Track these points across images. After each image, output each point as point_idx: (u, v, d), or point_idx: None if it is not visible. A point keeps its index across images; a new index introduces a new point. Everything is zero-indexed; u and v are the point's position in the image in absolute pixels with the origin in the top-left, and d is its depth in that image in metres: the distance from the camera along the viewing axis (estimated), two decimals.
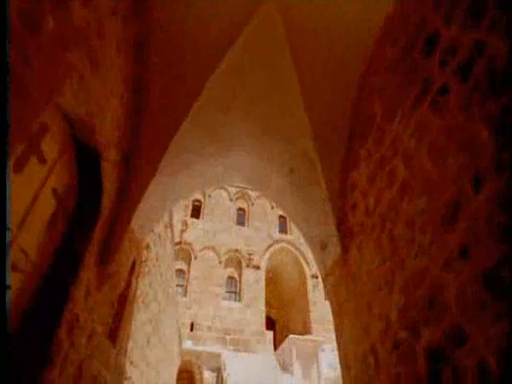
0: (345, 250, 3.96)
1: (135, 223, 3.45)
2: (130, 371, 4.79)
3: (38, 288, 2.37)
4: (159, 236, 5.82)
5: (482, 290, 1.98)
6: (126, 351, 4.44)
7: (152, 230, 5.20)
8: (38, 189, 2.23)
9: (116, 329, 4.04)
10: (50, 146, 2.31)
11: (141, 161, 3.53)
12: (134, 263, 4.34)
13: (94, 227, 2.76)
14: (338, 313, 4.08)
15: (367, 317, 3.33)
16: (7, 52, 1.46)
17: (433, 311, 2.39)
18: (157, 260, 5.87)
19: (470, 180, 2.18)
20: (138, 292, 4.81)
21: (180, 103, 3.64)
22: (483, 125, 2.14)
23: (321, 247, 4.42)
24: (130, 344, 4.72)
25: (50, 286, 2.42)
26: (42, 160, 2.24)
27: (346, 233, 3.97)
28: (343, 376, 3.84)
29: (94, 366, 3.15)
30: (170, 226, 7.14)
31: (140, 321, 5.16)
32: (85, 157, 2.68)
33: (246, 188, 23.95)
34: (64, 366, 2.47)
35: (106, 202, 2.96)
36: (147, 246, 4.96)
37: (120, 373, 4.20)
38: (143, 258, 4.81)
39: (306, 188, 4.45)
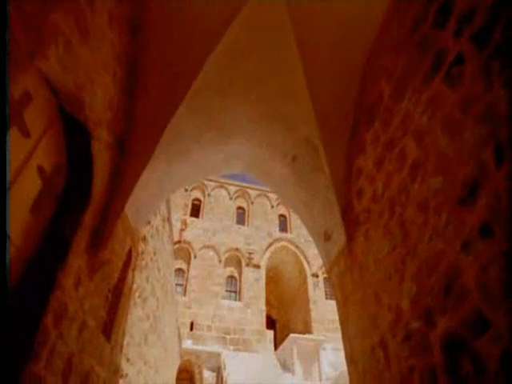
0: (350, 239, 3.78)
1: (129, 210, 3.27)
2: (127, 368, 4.60)
3: (23, 274, 2.19)
4: (157, 229, 5.63)
5: (506, 271, 1.80)
6: (121, 347, 4.26)
7: (149, 222, 5.02)
8: (20, 164, 2.05)
9: (111, 323, 3.85)
10: (35, 119, 2.13)
11: (135, 145, 3.35)
12: (129, 255, 4.16)
13: (84, 211, 2.58)
14: (343, 305, 3.90)
15: (375, 308, 3.15)
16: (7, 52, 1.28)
17: (450, 297, 2.21)
18: (154, 254, 5.68)
19: (491, 153, 2.00)
20: (135, 286, 4.63)
21: (176, 86, 3.46)
22: (503, 93, 1.97)
23: (325, 238, 4.24)
24: (127, 340, 4.53)
25: (35, 273, 2.23)
26: (26, 133, 2.06)
27: (351, 221, 3.79)
28: (350, 372, 3.65)
29: (85, 360, 2.97)
30: (169, 220, 6.97)
31: (137, 316, 4.97)
32: (74, 134, 2.50)
33: (246, 187, 23.79)
34: (51, 359, 2.28)
35: (98, 185, 2.77)
36: (144, 239, 4.78)
37: (115, 369, 4.01)
38: (140, 251, 4.63)
39: (309, 176, 4.27)
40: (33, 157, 2.16)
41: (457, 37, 2.44)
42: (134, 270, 4.44)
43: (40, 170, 2.24)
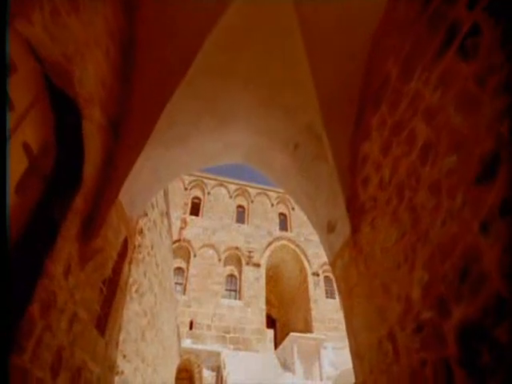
0: (355, 230, 3.62)
1: (124, 197, 3.11)
2: (123, 365, 4.44)
3: None
4: (154, 223, 5.48)
5: None
6: (117, 343, 4.10)
7: (146, 215, 4.87)
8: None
9: (105, 317, 3.69)
10: (20, 91, 1.97)
11: (130, 130, 3.20)
12: (125, 246, 4.00)
13: (74, 195, 2.42)
14: (347, 299, 3.75)
15: (383, 300, 3.00)
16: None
17: (466, 283, 2.05)
18: (152, 248, 5.53)
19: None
20: (131, 280, 4.47)
21: (173, 67, 3.31)
22: None
23: (328, 229, 4.09)
24: (123, 336, 4.37)
25: (21, 257, 2.07)
26: (9, 106, 1.90)
27: (356, 211, 3.64)
28: (355, 367, 3.50)
29: (77, 354, 2.81)
30: (167, 215, 6.81)
31: (133, 312, 4.81)
32: (64, 112, 2.34)
33: (246, 185, 23.62)
34: (37, 351, 2.12)
35: (90, 168, 2.62)
36: (141, 232, 4.62)
37: (110, 366, 3.85)
38: (136, 244, 4.47)
39: (311, 166, 4.12)
40: (18, 132, 2.00)
41: (471, 8, 2.30)
42: (130, 263, 4.29)
43: (26, 147, 2.09)
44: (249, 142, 4.33)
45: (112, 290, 3.85)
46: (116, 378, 4.17)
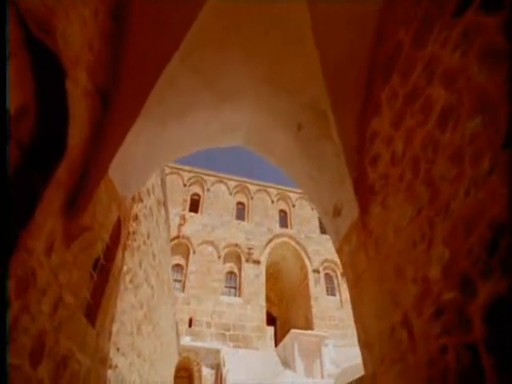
0: (364, 211, 3.39)
1: (115, 174, 2.87)
2: (116, 359, 4.20)
3: None
4: (150, 210, 5.24)
5: None
6: (109, 335, 3.86)
7: (142, 200, 4.63)
8: None
9: (96, 306, 3.46)
10: None
11: (121, 102, 2.95)
12: (118, 231, 3.77)
13: (57, 164, 2.18)
14: (355, 286, 3.51)
15: (396, 283, 2.76)
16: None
17: (496, 257, 1.82)
18: (148, 237, 5.29)
19: None
20: (125, 269, 4.23)
21: (169, 35, 3.07)
22: None
23: (334, 213, 3.85)
24: (116, 328, 4.13)
25: None
26: None
27: (364, 192, 3.40)
28: (363, 358, 3.27)
29: (62, 343, 2.57)
30: (165, 205, 6.57)
31: (128, 303, 4.58)
32: (46, 72, 2.10)
33: (246, 182, 23.38)
34: (13, 335, 1.89)
35: (75, 137, 2.38)
36: (136, 217, 4.38)
37: (102, 358, 3.62)
38: (131, 230, 4.24)
39: (316, 146, 3.88)
40: None
41: None
42: (124, 249, 4.05)
43: None
44: (249, 123, 4.09)
45: (104, 278, 3.61)
46: (109, 372, 3.93)
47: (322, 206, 4.09)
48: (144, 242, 5.02)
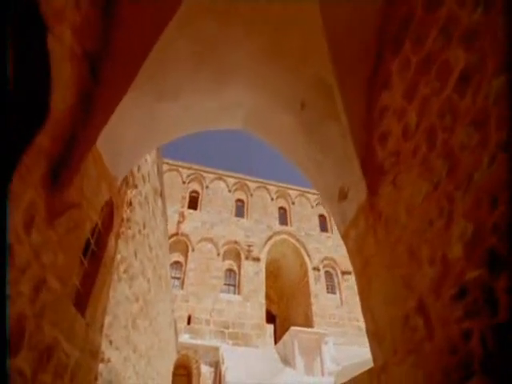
0: (372, 193, 3.17)
1: (105, 148, 2.65)
2: (109, 352, 3.98)
3: None
4: (146, 198, 5.01)
5: None
6: (101, 326, 3.64)
7: (136, 186, 4.40)
8: None
9: (86, 295, 3.24)
10: None
11: (112, 71, 2.73)
12: (111, 216, 3.55)
13: (38, 128, 1.96)
14: (363, 273, 3.30)
15: (409, 267, 2.55)
16: None
17: None
18: (144, 227, 5.06)
19: None
20: (119, 257, 4.01)
21: (164, 1, 2.85)
22: None
23: (339, 197, 3.64)
24: (109, 320, 3.91)
25: None
26: None
27: (373, 172, 3.19)
28: (373, 350, 3.05)
29: (47, 331, 2.35)
30: (162, 196, 6.35)
31: (122, 294, 4.35)
32: (26, 25, 1.88)
33: (245, 179, 23.15)
34: None
35: (60, 102, 2.16)
36: (130, 204, 4.16)
37: (93, 351, 3.40)
38: (124, 216, 4.01)
39: (320, 127, 3.66)
40: None
41: None
42: (117, 237, 3.83)
43: None
44: (249, 102, 3.87)
45: (95, 265, 3.39)
46: (101, 366, 3.71)
47: (326, 190, 3.87)
48: (139, 232, 4.80)
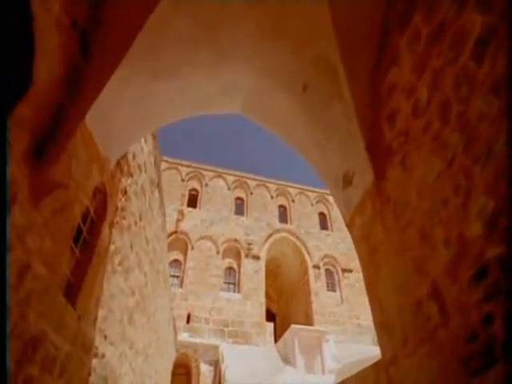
0: (379, 177, 3.01)
1: (95, 126, 2.48)
2: (104, 348, 3.81)
3: None
4: (142, 189, 4.84)
5: None
6: (95, 319, 3.47)
7: (131, 175, 4.23)
8: None
9: (78, 286, 3.07)
10: None
11: (102, 45, 2.57)
12: (104, 204, 3.38)
13: (19, 96, 1.80)
14: (370, 262, 3.14)
15: (421, 251, 2.39)
16: None
17: None
18: (140, 219, 4.90)
19: None
20: (113, 248, 3.84)
21: None
22: None
23: (344, 182, 3.48)
24: (103, 313, 3.74)
25: None
26: None
27: (380, 154, 3.03)
28: (381, 343, 2.89)
29: (33, 321, 2.19)
30: (159, 188, 6.18)
31: (117, 287, 4.19)
32: None
33: (244, 177, 22.97)
34: None
35: (44, 72, 1.99)
36: (125, 192, 3.99)
37: (85, 345, 3.23)
38: (119, 205, 3.84)
39: (323, 108, 3.50)
40: None
41: None
42: (111, 226, 3.66)
43: None
44: (249, 85, 3.70)
45: (88, 255, 3.22)
46: (95, 361, 3.54)
47: (329, 176, 3.71)
48: (135, 223, 4.63)
